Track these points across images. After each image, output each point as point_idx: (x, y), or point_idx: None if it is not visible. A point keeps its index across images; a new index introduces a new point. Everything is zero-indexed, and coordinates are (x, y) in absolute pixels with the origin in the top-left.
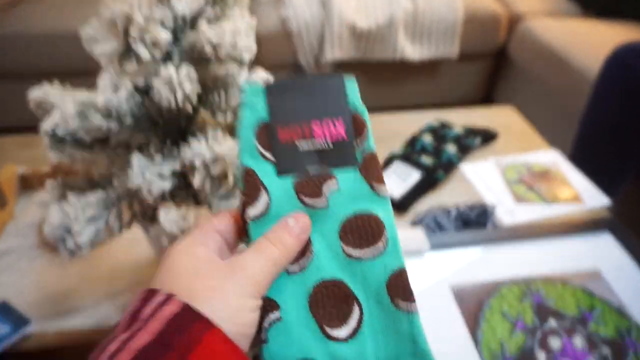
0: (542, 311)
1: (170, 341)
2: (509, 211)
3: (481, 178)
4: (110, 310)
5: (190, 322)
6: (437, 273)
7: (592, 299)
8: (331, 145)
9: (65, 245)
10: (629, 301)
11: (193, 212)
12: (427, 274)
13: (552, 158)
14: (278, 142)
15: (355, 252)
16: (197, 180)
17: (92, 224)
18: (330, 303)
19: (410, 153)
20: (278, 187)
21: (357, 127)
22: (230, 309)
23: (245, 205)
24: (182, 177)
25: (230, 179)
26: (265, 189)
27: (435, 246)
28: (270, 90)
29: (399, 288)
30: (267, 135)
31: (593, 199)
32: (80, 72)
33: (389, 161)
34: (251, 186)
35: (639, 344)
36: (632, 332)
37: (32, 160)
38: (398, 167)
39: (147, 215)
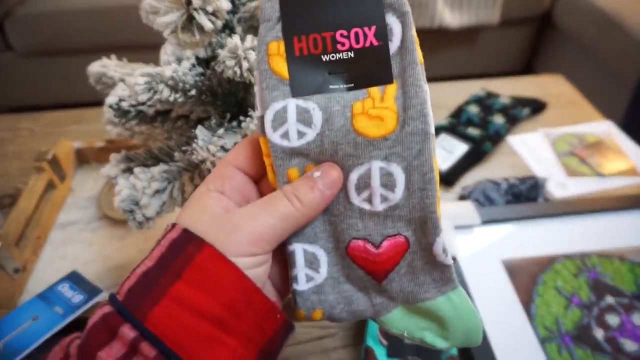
0: (599, 287)
1: (166, 263)
2: (561, 185)
3: (530, 150)
4: None
5: (185, 244)
6: (489, 247)
7: None
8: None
9: (134, 217)
10: None
11: None
12: (478, 248)
13: (605, 128)
14: None
15: None
16: None
17: (158, 197)
18: None
19: (456, 125)
20: None
21: None
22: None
23: None
24: None
25: None
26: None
27: (486, 220)
28: None
29: None
30: None
31: None
32: (136, 46)
33: (435, 133)
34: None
35: None
36: None
37: (84, 135)
38: (444, 139)
39: None
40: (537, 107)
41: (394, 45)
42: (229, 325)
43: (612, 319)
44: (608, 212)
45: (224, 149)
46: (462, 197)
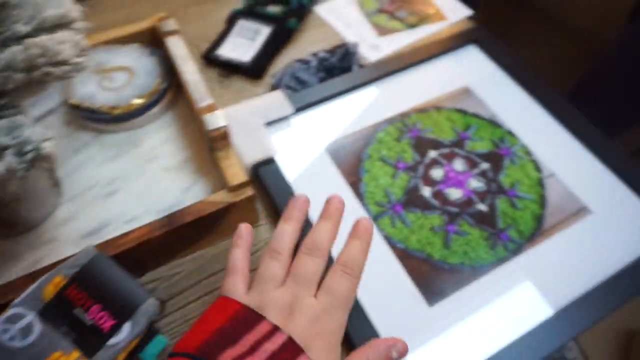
0: (421, 144)
1: None
2: (373, 46)
3: (339, 17)
4: None
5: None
6: (308, 136)
7: (466, 117)
8: None
9: None
10: (499, 110)
11: None
12: (297, 140)
13: None
14: None
15: None
16: None
17: None
18: None
19: (254, 5)
20: None
21: None
22: None
23: None
24: None
25: None
26: None
27: (300, 107)
28: None
29: None
30: None
31: (456, 12)
32: None
33: (232, 21)
34: None
35: (512, 148)
36: (505, 139)
37: None
38: (243, 25)
39: None
40: None
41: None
42: None
43: (437, 173)
44: (421, 64)
45: None
46: (275, 87)
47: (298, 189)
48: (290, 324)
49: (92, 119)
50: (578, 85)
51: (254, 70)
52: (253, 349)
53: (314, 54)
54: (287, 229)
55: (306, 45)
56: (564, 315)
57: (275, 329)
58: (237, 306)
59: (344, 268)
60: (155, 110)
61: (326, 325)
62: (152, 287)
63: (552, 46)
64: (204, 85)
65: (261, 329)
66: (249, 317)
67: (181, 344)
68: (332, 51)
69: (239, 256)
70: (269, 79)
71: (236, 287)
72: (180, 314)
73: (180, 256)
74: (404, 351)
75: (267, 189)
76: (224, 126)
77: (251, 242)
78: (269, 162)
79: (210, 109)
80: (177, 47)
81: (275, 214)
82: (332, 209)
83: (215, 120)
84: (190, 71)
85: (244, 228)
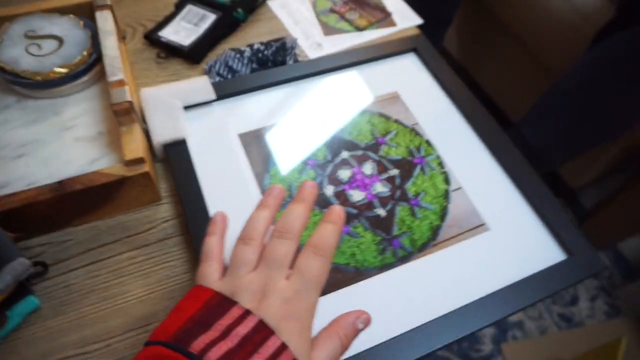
0: (336, 144)
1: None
2: (317, 45)
3: (289, 12)
4: None
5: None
6: (224, 123)
7: (387, 122)
8: None
9: None
10: (423, 119)
11: None
12: (213, 126)
13: None
14: None
15: None
16: None
17: None
18: None
19: None
20: None
21: None
22: None
23: None
24: None
25: None
26: None
27: (224, 94)
28: None
29: None
30: None
31: (406, 20)
32: None
33: (181, 4)
34: None
35: (427, 158)
36: (421, 148)
37: None
38: (190, 11)
39: None
40: None
41: None
42: None
43: (344, 173)
44: (356, 66)
45: None
46: (206, 74)
47: (202, 173)
48: (263, 307)
49: (15, 82)
50: (531, 108)
51: (191, 55)
52: (225, 333)
53: (250, 45)
54: (260, 215)
55: (251, 37)
56: (434, 325)
57: (246, 313)
58: (210, 293)
59: (315, 249)
60: (81, 80)
61: (298, 306)
62: (40, 251)
63: (519, 69)
64: (119, 61)
65: (233, 314)
66: (222, 303)
67: (156, 333)
68: (267, 43)
69: (213, 243)
70: (205, 65)
71: (210, 274)
72: (62, 279)
73: (75, 224)
74: (368, 321)
75: (171, 169)
76: (128, 101)
77: (225, 230)
78: (180, 143)
79: (120, 84)
80: (105, 22)
81: (178, 194)
82: (306, 192)
83: (121, 95)
84: (109, 46)
85: (219, 216)
